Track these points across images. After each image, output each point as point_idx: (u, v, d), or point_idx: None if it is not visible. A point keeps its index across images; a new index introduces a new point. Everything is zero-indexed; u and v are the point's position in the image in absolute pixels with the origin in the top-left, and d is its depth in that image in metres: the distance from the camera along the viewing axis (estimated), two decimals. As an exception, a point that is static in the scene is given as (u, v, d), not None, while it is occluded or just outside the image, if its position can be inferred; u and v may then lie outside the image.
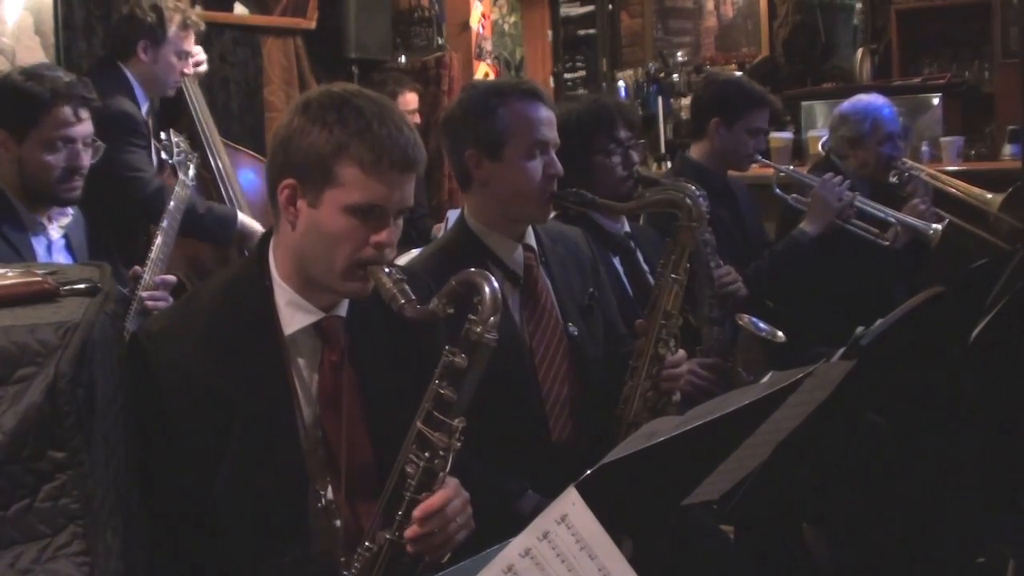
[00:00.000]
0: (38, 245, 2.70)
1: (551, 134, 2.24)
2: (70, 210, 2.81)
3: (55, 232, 2.76)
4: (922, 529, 2.50)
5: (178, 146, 3.33)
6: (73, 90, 2.68)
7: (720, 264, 2.85)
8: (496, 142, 2.20)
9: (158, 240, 2.91)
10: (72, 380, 1.30)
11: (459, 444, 1.59)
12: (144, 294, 2.72)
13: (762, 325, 2.86)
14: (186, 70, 3.49)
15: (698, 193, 2.38)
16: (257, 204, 3.59)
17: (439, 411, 1.58)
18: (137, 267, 2.80)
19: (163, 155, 3.33)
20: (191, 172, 3.28)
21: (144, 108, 3.45)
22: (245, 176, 3.72)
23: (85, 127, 2.72)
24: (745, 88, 3.47)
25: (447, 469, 1.60)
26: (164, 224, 2.98)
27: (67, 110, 2.66)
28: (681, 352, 2.31)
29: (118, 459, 1.45)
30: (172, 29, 3.41)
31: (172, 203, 3.05)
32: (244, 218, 3.42)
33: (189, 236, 3.20)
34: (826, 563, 2.69)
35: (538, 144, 2.21)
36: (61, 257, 2.75)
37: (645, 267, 2.90)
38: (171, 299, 2.77)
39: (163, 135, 3.34)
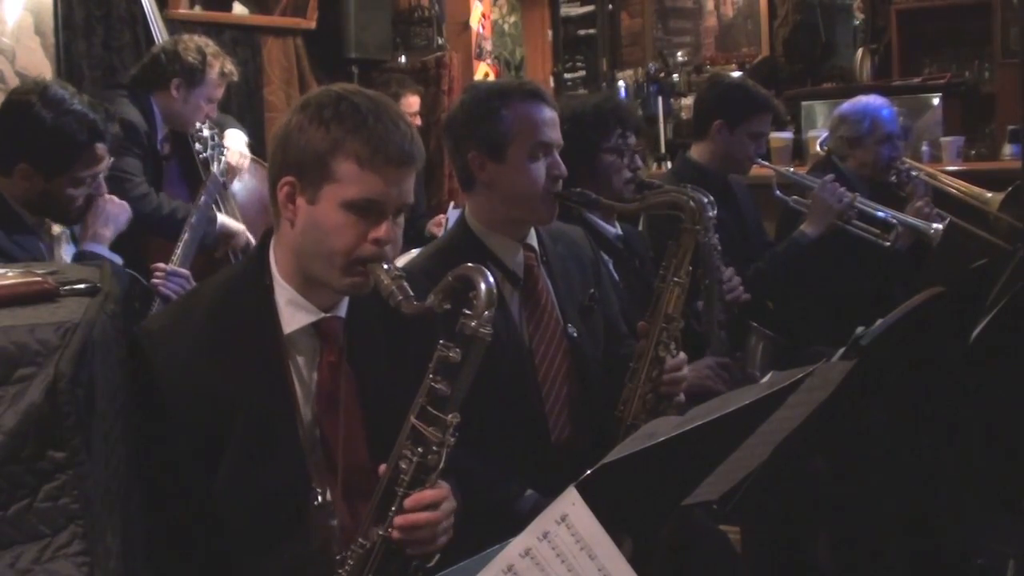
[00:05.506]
0: (44, 245, 2.69)
1: (554, 135, 2.23)
2: None
3: (56, 228, 2.77)
4: (922, 529, 2.50)
5: (212, 139, 3.38)
6: (107, 128, 2.63)
7: (724, 268, 2.84)
8: (499, 144, 2.19)
9: (185, 235, 3.02)
10: (72, 380, 1.29)
11: (453, 439, 1.59)
12: (156, 279, 2.82)
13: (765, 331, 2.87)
14: (211, 113, 3.51)
15: (706, 200, 2.34)
16: (248, 208, 3.56)
17: (433, 406, 1.58)
18: (160, 264, 2.89)
19: (196, 146, 3.37)
20: (221, 166, 3.33)
21: (160, 135, 3.45)
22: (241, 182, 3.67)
23: (107, 159, 2.70)
24: (750, 92, 3.45)
25: (441, 465, 1.59)
26: (192, 220, 3.08)
27: (100, 148, 2.63)
28: (682, 355, 2.29)
29: (118, 459, 1.45)
30: (211, 76, 3.44)
31: (203, 198, 3.15)
32: (225, 219, 3.36)
33: (164, 237, 3.17)
34: (826, 565, 2.69)
35: (541, 145, 2.20)
36: (67, 247, 2.77)
37: (636, 269, 2.90)
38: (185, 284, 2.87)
39: (198, 124, 3.38)
